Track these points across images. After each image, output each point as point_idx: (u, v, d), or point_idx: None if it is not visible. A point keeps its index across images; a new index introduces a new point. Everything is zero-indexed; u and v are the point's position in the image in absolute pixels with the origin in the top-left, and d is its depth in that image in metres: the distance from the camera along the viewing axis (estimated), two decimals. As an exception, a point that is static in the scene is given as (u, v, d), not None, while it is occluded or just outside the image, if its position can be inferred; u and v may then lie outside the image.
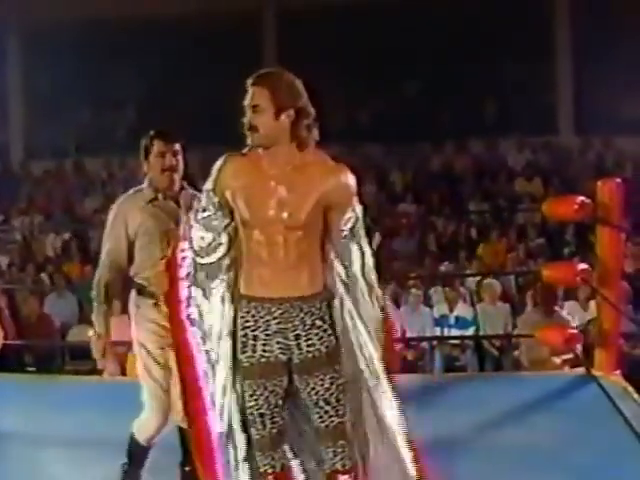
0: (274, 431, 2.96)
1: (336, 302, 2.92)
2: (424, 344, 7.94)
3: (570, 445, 4.10)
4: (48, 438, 4.37)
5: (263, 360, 2.89)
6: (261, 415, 2.92)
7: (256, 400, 2.91)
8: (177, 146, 3.52)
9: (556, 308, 6.70)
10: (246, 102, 2.81)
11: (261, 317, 2.87)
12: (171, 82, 13.60)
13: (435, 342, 7.89)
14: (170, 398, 3.42)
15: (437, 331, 8.01)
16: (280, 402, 2.94)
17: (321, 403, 2.90)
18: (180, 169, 3.53)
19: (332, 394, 2.90)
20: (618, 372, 5.05)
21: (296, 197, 2.81)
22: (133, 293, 3.52)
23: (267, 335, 2.88)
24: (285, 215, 2.81)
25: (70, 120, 14.02)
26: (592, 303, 6.68)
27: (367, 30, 13.02)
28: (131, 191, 3.58)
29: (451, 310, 8.10)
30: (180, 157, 3.53)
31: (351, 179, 2.86)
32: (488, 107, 13.83)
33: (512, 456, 4.04)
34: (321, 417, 2.92)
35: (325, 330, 2.88)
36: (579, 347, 5.63)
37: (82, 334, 8.23)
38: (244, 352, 2.89)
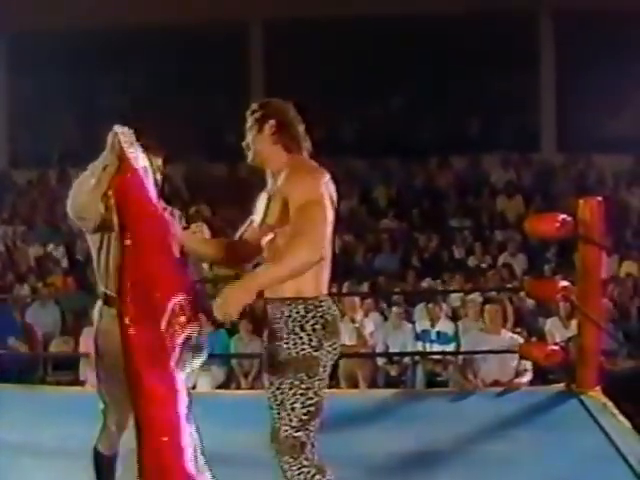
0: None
1: None
2: (406, 359, 7.96)
3: (550, 459, 4.15)
4: (29, 448, 4.36)
5: (267, 356, 3.04)
6: (270, 407, 3.01)
7: (267, 391, 3.02)
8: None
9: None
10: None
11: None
12: (156, 92, 13.61)
13: (417, 357, 7.91)
14: (127, 406, 3.34)
15: (419, 345, 8.03)
16: None
17: (280, 408, 2.94)
18: None
19: (286, 401, 2.91)
20: (598, 388, 5.09)
21: (269, 202, 2.99)
22: (99, 302, 3.42)
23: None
24: (264, 218, 3.01)
25: (54, 130, 13.99)
26: (574, 320, 6.72)
27: (352, 45, 13.09)
28: None
29: (433, 325, 8.13)
30: None
31: (303, 178, 2.90)
32: (472, 124, 13.93)
33: (493, 469, 4.08)
34: (278, 422, 2.95)
35: (301, 338, 2.91)
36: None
37: (64, 345, 8.24)
38: None
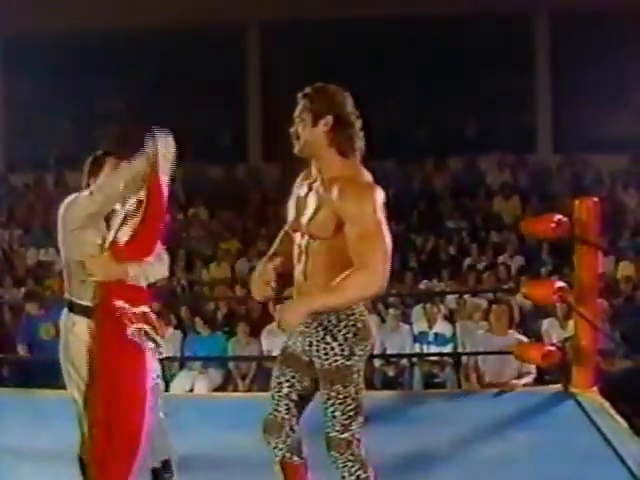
0: (270, 417, 3.07)
1: None
2: (404, 361, 7.96)
3: (547, 459, 4.15)
4: (27, 452, 4.36)
5: (289, 350, 3.04)
6: (272, 397, 3.07)
7: (274, 381, 3.07)
8: None
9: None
10: (294, 115, 2.95)
11: None
12: (153, 96, 13.61)
13: (415, 359, 7.91)
14: None
15: (416, 347, 8.04)
16: (293, 396, 3.04)
17: (324, 411, 2.96)
18: None
19: (327, 409, 2.94)
20: (595, 388, 5.10)
21: (313, 207, 2.90)
22: (65, 310, 3.42)
23: (293, 332, 3.02)
24: (303, 222, 2.92)
25: (51, 134, 13.98)
26: (571, 321, 6.72)
27: (351, 46, 13.10)
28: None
29: (430, 327, 8.13)
30: None
31: (361, 197, 2.87)
32: (468, 125, 13.93)
33: (491, 470, 4.08)
34: (325, 423, 2.97)
35: (333, 349, 2.90)
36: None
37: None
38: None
